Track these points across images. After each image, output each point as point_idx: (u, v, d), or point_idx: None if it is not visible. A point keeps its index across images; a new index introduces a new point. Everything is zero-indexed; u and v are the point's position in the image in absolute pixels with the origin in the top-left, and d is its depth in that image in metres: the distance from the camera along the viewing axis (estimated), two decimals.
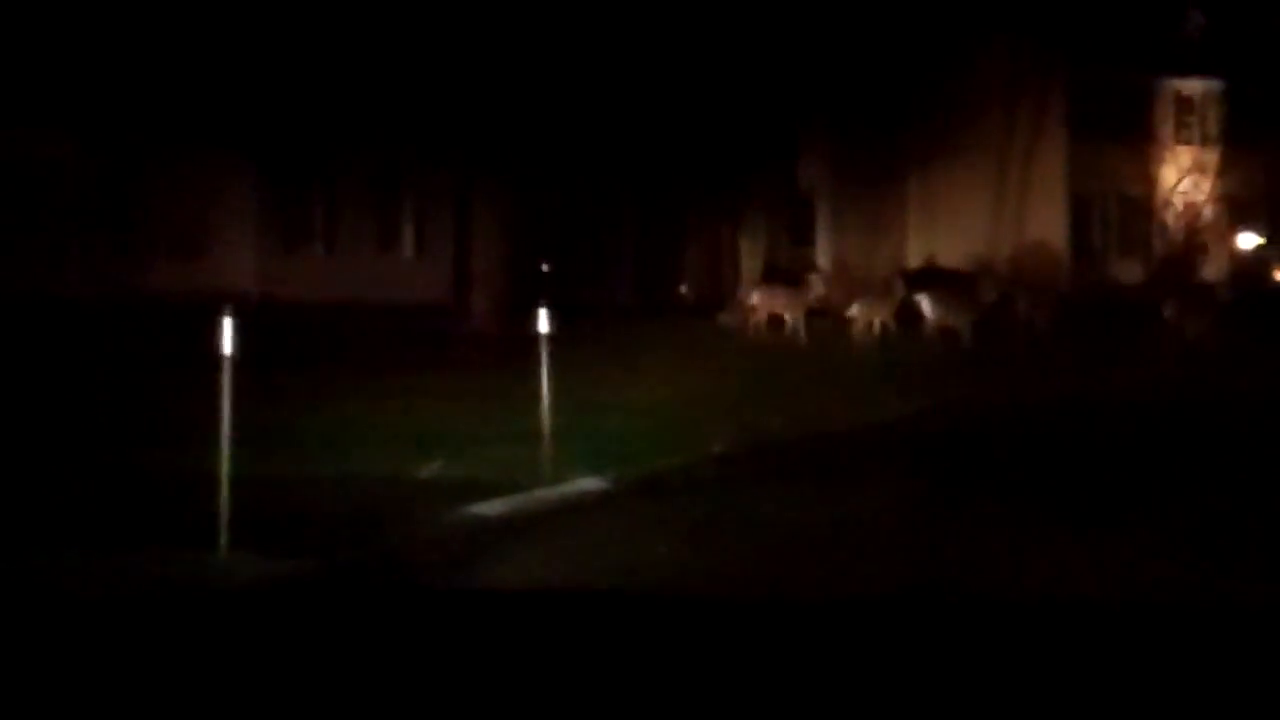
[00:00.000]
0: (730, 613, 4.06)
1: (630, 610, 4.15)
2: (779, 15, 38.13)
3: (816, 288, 33.84)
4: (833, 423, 17.25)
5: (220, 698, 3.55)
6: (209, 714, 3.50)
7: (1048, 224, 46.87)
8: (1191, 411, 19.94)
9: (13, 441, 13.89)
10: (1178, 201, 48.57)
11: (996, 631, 3.52)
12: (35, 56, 31.16)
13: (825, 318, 32.39)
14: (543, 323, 13.67)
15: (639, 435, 15.38)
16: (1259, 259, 45.99)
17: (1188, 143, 49.45)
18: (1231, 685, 3.20)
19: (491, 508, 11.68)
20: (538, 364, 13.49)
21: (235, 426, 9.79)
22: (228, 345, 9.87)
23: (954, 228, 45.85)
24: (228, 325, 9.85)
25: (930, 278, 36.42)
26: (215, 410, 9.84)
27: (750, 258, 40.30)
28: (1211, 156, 49.05)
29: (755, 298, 33.35)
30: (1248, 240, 47.65)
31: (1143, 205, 48.81)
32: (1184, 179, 48.51)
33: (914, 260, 44.85)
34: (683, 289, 44.29)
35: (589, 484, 12.89)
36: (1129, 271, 46.06)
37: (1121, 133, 47.54)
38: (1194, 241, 47.70)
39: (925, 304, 30.98)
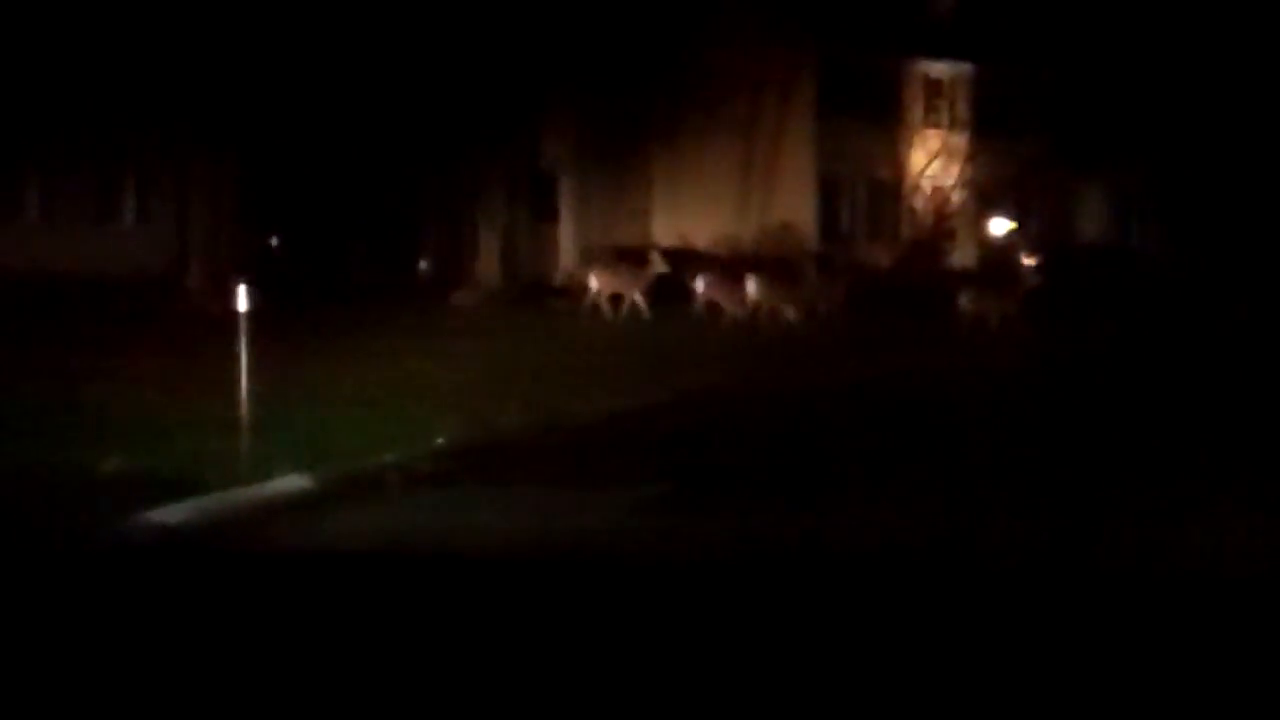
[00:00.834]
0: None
1: None
2: None
3: (658, 266, 32.40)
4: (571, 414, 15.83)
5: None
6: None
7: (795, 206, 46.09)
8: (948, 400, 19.38)
9: None
10: (926, 186, 48.19)
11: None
12: None
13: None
14: (242, 300, 12.05)
15: (355, 427, 13.82)
16: (1009, 245, 45.76)
17: (937, 126, 49.06)
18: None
19: (172, 513, 10.05)
20: (253, 346, 11.90)
21: None
22: None
23: (700, 207, 44.91)
24: None
25: (684, 258, 35.51)
26: None
27: (488, 234, 38.64)
28: (960, 141, 48.75)
29: (593, 277, 31.95)
30: (999, 226, 47.51)
31: (891, 189, 48.35)
32: (932, 163, 48.12)
33: (661, 239, 43.82)
34: (422, 266, 42.58)
35: (290, 483, 11.29)
36: (877, 255, 45.47)
37: (870, 115, 46.93)
38: (942, 227, 47.37)
39: (751, 285, 30.15)
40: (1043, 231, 49.95)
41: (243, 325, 11.92)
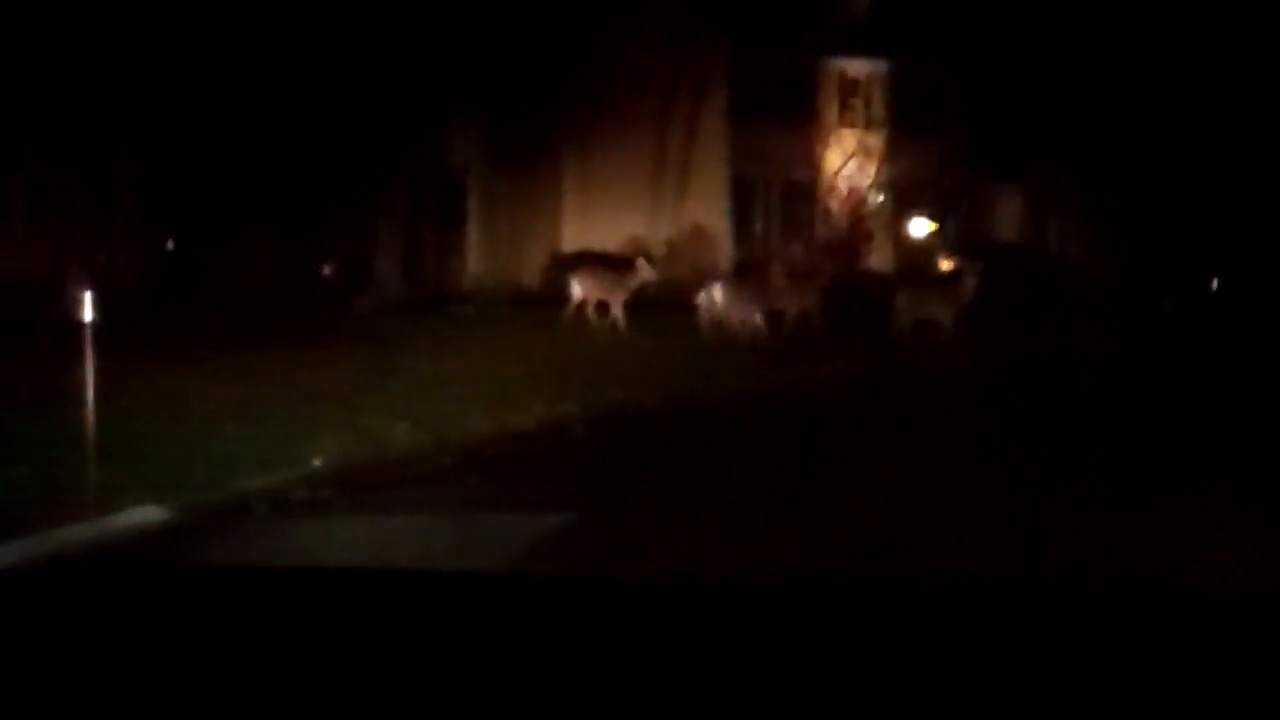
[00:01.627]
0: None
1: None
2: None
3: (644, 273, 31.00)
4: (469, 431, 14.52)
5: None
6: None
7: (708, 208, 44.99)
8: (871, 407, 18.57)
9: None
10: (842, 186, 47.16)
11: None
12: None
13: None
14: (86, 309, 10.65)
15: (227, 447, 12.46)
16: (928, 246, 44.80)
17: (853, 126, 47.96)
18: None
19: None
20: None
21: None
22: None
23: (612, 210, 43.66)
24: None
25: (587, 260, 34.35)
26: None
27: (390, 238, 37.25)
28: (877, 140, 47.73)
29: (575, 284, 30.59)
30: (920, 227, 46.55)
31: (806, 189, 47.27)
32: (848, 163, 47.10)
33: (570, 243, 42.68)
34: (326, 271, 41.05)
35: (140, 515, 9.91)
36: (793, 258, 44.36)
37: (785, 115, 45.81)
38: (859, 228, 46.33)
39: (716, 292, 29.15)
40: (961, 232, 49.21)
41: (87, 336, 10.52)
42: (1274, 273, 40.44)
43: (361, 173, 37.61)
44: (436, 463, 12.83)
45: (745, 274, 33.47)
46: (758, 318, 28.71)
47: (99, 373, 11.56)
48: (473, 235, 43.49)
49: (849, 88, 48.32)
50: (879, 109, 48.19)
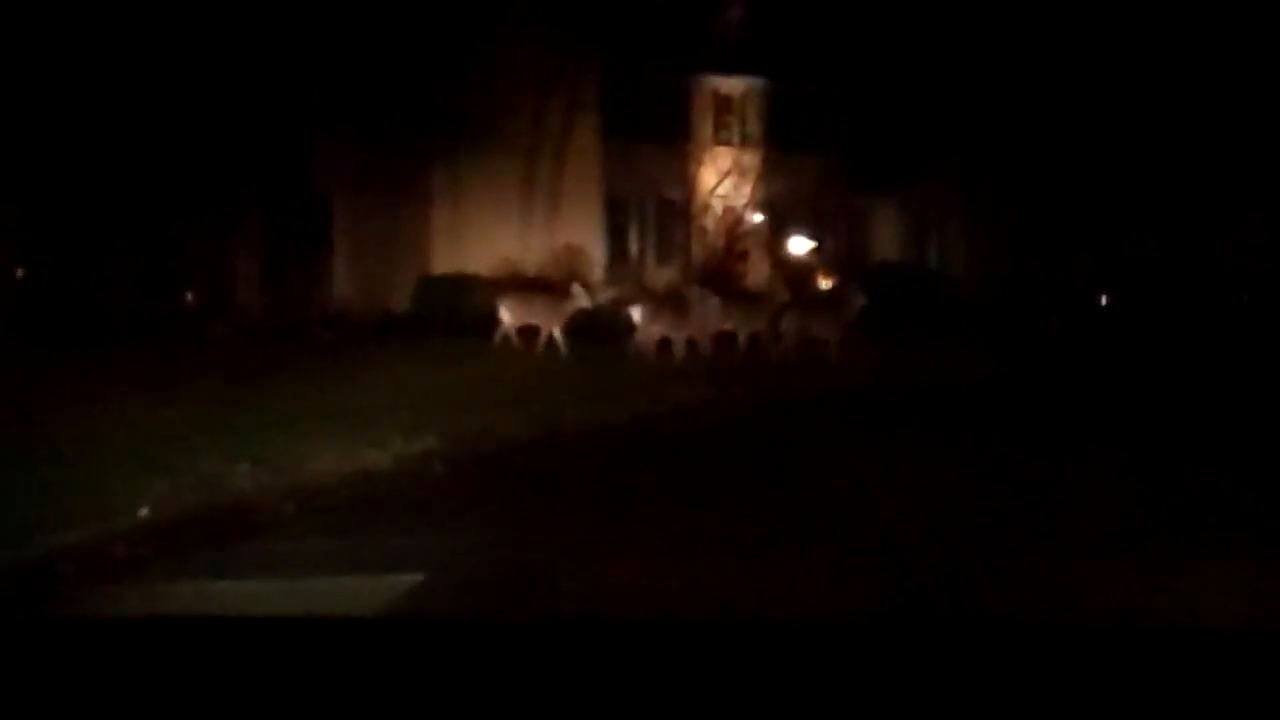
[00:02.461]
0: None
1: None
2: None
3: (580, 299, 29.66)
4: (319, 471, 13.22)
5: None
6: None
7: (581, 227, 44.01)
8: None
9: None
10: (717, 205, 46.30)
11: None
12: None
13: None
14: None
15: (37, 495, 11.09)
16: (807, 266, 43.97)
17: (728, 144, 47.22)
18: None
19: None
20: None
21: None
22: None
23: (482, 230, 42.46)
24: None
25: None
26: None
27: (248, 262, 35.77)
28: (753, 159, 46.92)
29: (503, 309, 29.17)
30: (799, 246, 45.74)
31: (682, 209, 46.38)
32: (724, 181, 46.23)
33: (439, 265, 41.48)
34: (188, 296, 39.46)
35: None
36: (667, 279, 43.45)
37: (659, 133, 44.99)
38: (735, 248, 45.44)
39: (636, 313, 28.17)
40: (839, 251, 48.52)
41: None
42: (1168, 289, 40.22)
43: (221, 196, 36.14)
44: (278, 510, 11.52)
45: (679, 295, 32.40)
46: (680, 340, 27.77)
47: None
48: (339, 258, 42.17)
49: (724, 105, 47.63)
50: (754, 127, 47.53)
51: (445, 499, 12.46)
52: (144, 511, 10.78)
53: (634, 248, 45.99)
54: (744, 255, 45.24)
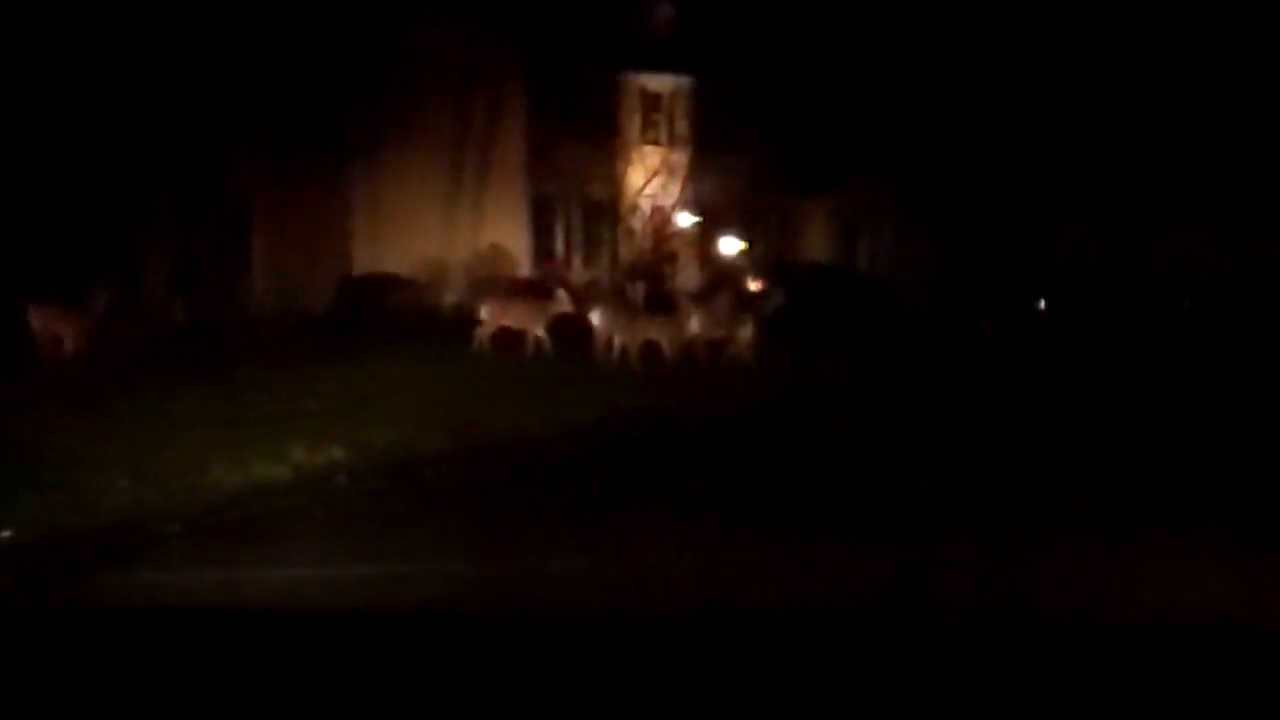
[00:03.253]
0: None
1: None
2: None
3: (562, 302, 28.67)
4: (207, 487, 12.21)
5: None
6: None
7: (506, 227, 43.21)
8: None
9: None
10: (645, 205, 45.48)
11: None
12: None
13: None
14: None
15: None
16: (736, 267, 43.13)
17: (656, 143, 46.46)
18: None
19: None
20: None
21: None
22: None
23: (405, 229, 41.53)
24: None
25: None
26: None
27: (156, 260, 34.60)
28: (681, 158, 46.16)
29: (484, 310, 28.17)
30: (729, 246, 44.96)
31: (608, 209, 45.56)
32: (651, 181, 45.41)
33: (361, 264, 40.48)
34: (97, 297, 38.10)
35: None
36: (593, 279, 42.60)
37: (585, 131, 44.19)
38: (663, 249, 44.62)
39: (595, 317, 27.19)
40: (768, 252, 47.78)
41: None
42: (1106, 294, 39.69)
43: (129, 192, 34.91)
44: (158, 532, 10.52)
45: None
46: (633, 341, 26.82)
47: None
48: (258, 257, 41.03)
49: (652, 103, 46.87)
50: (683, 126, 46.86)
51: (346, 519, 11.46)
52: (6, 533, 9.77)
53: (560, 248, 45.11)
54: (672, 256, 44.44)
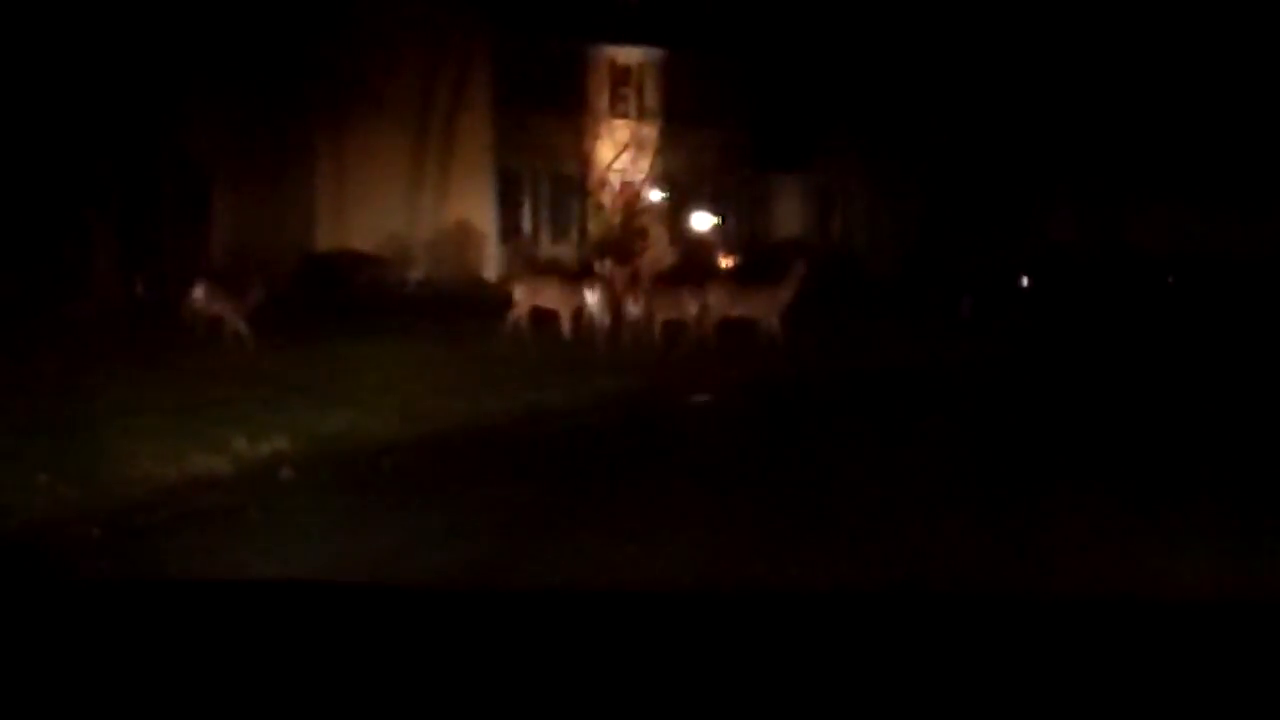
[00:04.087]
0: None
1: None
2: None
3: (596, 285, 27.65)
4: (126, 484, 11.23)
5: None
6: None
7: (473, 202, 42.38)
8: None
9: None
10: (614, 180, 44.57)
11: None
12: None
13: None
14: None
15: None
16: (708, 243, 42.23)
17: (625, 116, 45.53)
18: None
19: None
20: None
21: None
22: None
23: (369, 205, 40.75)
24: None
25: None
26: None
27: (106, 238, 33.46)
28: (651, 132, 45.25)
29: (518, 290, 27.08)
30: (703, 221, 44.05)
31: (577, 183, 44.63)
32: (621, 155, 44.48)
33: (325, 241, 39.59)
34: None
35: None
36: (562, 256, 41.75)
37: (553, 104, 43.33)
38: (633, 225, 43.67)
39: (588, 295, 26.37)
40: (740, 228, 46.90)
41: None
42: (1089, 271, 39.02)
43: (79, 170, 33.81)
44: (78, 535, 9.54)
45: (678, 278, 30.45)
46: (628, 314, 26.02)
47: None
48: (217, 233, 40.10)
49: (621, 76, 45.99)
50: (653, 99, 46.04)
51: (283, 519, 10.47)
52: None
53: (527, 224, 44.20)
54: (642, 232, 43.54)
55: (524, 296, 26.96)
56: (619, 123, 45.29)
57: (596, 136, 44.80)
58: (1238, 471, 12.62)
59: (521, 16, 41.57)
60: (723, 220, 45.70)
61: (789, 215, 49.86)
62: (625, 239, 42.70)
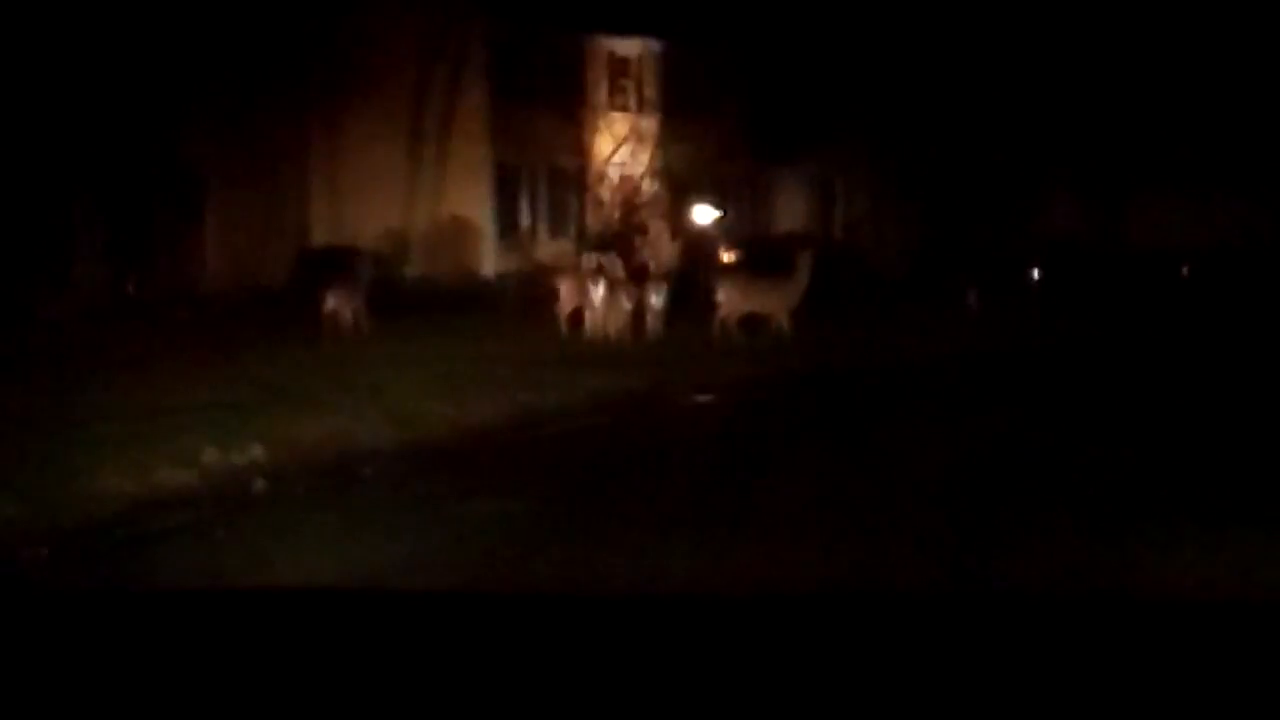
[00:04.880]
0: None
1: None
2: None
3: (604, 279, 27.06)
4: (84, 500, 10.47)
5: None
6: None
7: (469, 196, 41.79)
8: None
9: None
10: (613, 174, 43.96)
11: None
12: None
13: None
14: None
15: None
16: (709, 237, 41.51)
17: (624, 109, 44.96)
18: None
19: None
20: None
21: None
22: None
23: (364, 200, 40.38)
24: None
25: None
26: None
27: (90, 237, 32.95)
28: (650, 125, 44.68)
29: (562, 286, 26.57)
30: (704, 215, 43.36)
31: (576, 177, 44.02)
32: (620, 149, 43.87)
33: (320, 238, 39.12)
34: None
35: None
36: (561, 251, 41.12)
37: (551, 97, 42.69)
38: (632, 219, 43.01)
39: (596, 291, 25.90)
40: (741, 221, 46.31)
41: None
42: (1100, 263, 38.46)
43: (66, 168, 33.20)
44: (27, 559, 8.80)
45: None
46: (621, 309, 25.60)
47: None
48: (211, 230, 39.53)
49: (619, 68, 45.46)
50: (652, 91, 45.59)
51: (251, 537, 9.69)
52: None
53: (525, 219, 43.55)
54: (642, 227, 42.92)
55: (567, 295, 26.32)
56: (618, 115, 44.76)
57: (595, 129, 44.30)
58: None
59: (518, 7, 41.03)
60: (724, 213, 45.18)
61: (791, 207, 49.47)
62: (625, 233, 42.13)
